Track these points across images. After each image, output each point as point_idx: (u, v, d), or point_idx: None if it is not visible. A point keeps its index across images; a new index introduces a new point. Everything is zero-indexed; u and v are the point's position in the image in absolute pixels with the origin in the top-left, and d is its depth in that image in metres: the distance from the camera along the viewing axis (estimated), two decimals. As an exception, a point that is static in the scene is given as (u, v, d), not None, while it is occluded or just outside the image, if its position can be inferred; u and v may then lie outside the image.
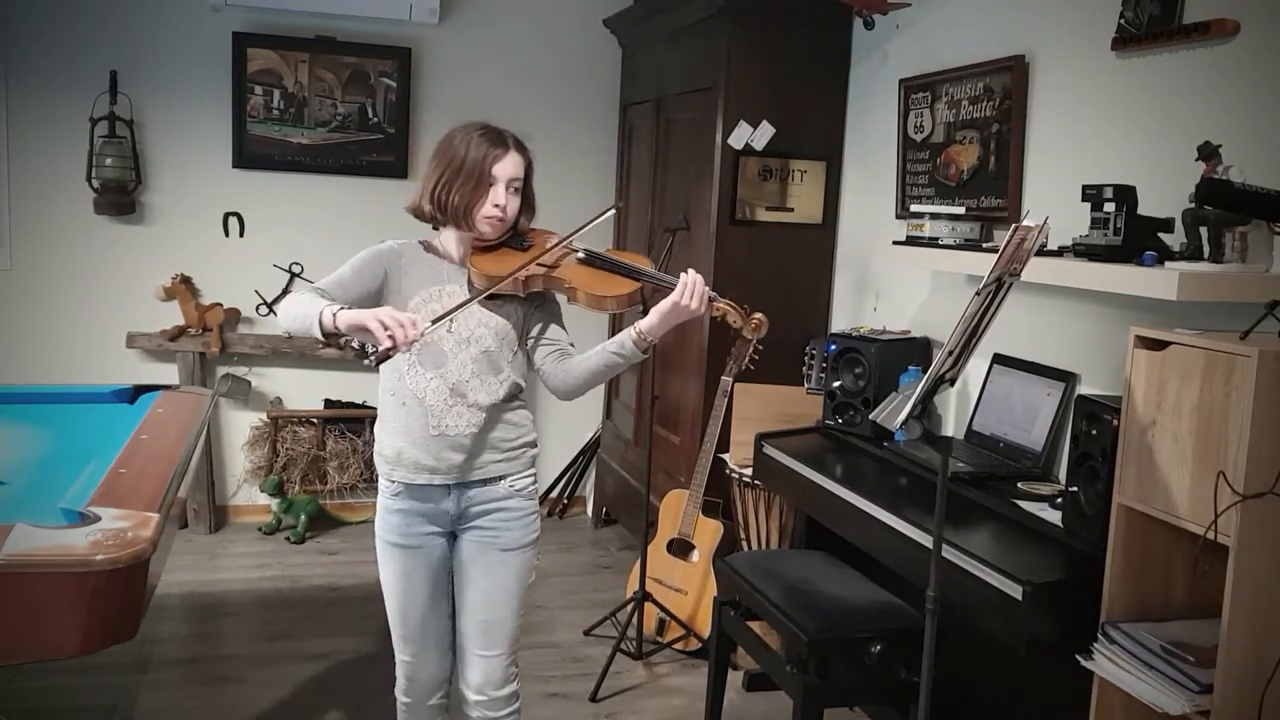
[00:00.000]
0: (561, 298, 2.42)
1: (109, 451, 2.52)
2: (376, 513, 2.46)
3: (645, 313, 2.32)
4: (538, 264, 2.33)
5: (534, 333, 2.43)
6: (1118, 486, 2.28)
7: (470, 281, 2.35)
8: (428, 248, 2.43)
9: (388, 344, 2.09)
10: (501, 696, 2.45)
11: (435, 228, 2.44)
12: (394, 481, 2.41)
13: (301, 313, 2.20)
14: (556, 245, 2.36)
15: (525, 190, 2.39)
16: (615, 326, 5.23)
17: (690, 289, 2.27)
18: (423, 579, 2.44)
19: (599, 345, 2.36)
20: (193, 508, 4.94)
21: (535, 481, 2.49)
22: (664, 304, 2.28)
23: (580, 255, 2.38)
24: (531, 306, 2.42)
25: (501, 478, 2.41)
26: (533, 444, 2.47)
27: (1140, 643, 2.18)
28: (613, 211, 2.42)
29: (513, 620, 2.45)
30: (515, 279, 2.31)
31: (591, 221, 2.39)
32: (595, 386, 2.42)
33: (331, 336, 2.18)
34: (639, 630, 3.85)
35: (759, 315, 2.38)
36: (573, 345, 2.45)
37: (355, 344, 4.79)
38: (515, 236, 2.40)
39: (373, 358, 2.14)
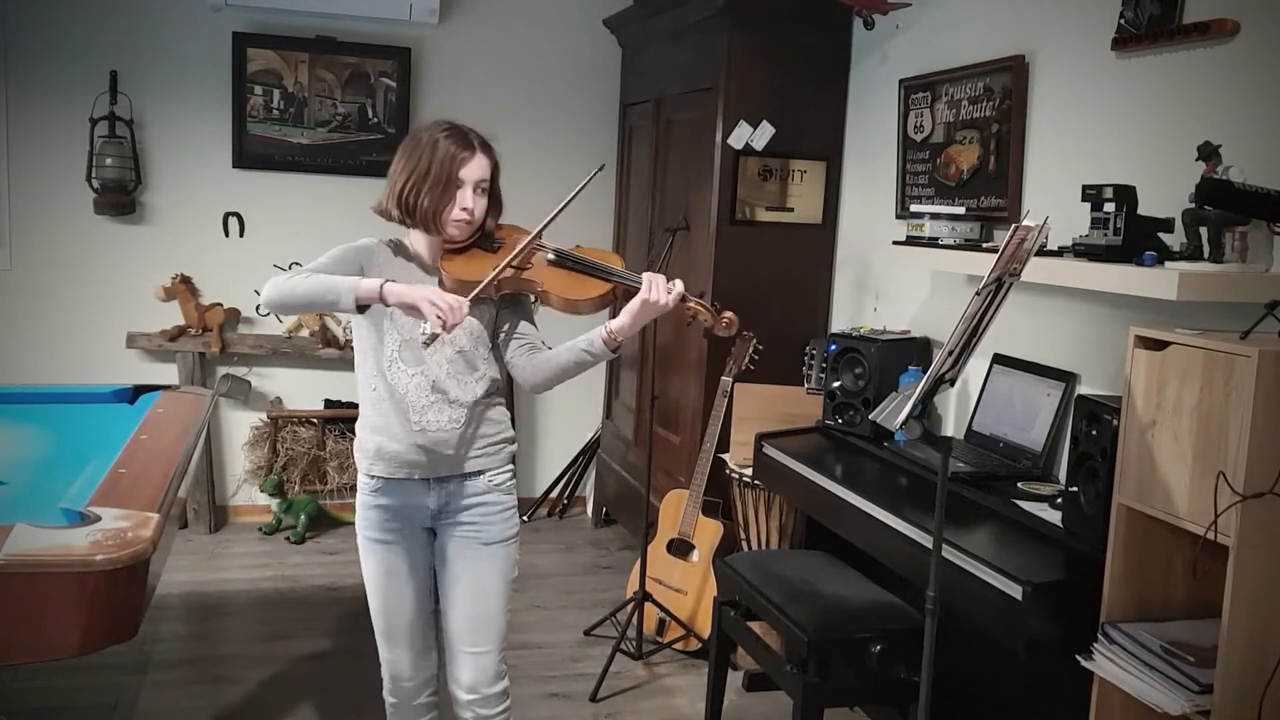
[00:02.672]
0: (539, 302, 2.42)
1: (109, 451, 2.53)
2: (356, 510, 2.48)
3: (616, 312, 2.34)
4: (509, 266, 2.33)
5: (505, 329, 2.44)
6: (1118, 486, 2.27)
7: (441, 283, 2.34)
8: (398, 249, 2.43)
9: (438, 327, 2.12)
10: (494, 694, 2.45)
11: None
12: (373, 477, 2.42)
13: (319, 285, 2.22)
14: (527, 245, 2.36)
15: (492, 190, 2.39)
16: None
17: (654, 285, 2.28)
18: (405, 575, 2.45)
19: (570, 341, 2.37)
20: (193, 508, 4.94)
21: (514, 477, 2.50)
22: (633, 303, 2.29)
23: (550, 256, 2.39)
24: (503, 305, 2.43)
25: (481, 473, 2.42)
26: (511, 440, 2.49)
27: (1140, 643, 2.18)
28: (599, 172, 2.42)
29: (500, 615, 2.45)
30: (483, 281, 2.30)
31: (577, 192, 2.40)
32: (564, 381, 2.42)
33: (363, 309, 2.21)
34: (639, 630, 3.85)
35: (729, 314, 2.39)
36: (544, 341, 2.45)
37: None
38: (484, 237, 2.41)
39: (424, 335, 2.16)
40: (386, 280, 2.21)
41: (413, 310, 2.17)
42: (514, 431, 2.51)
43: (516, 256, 2.34)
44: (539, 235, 2.39)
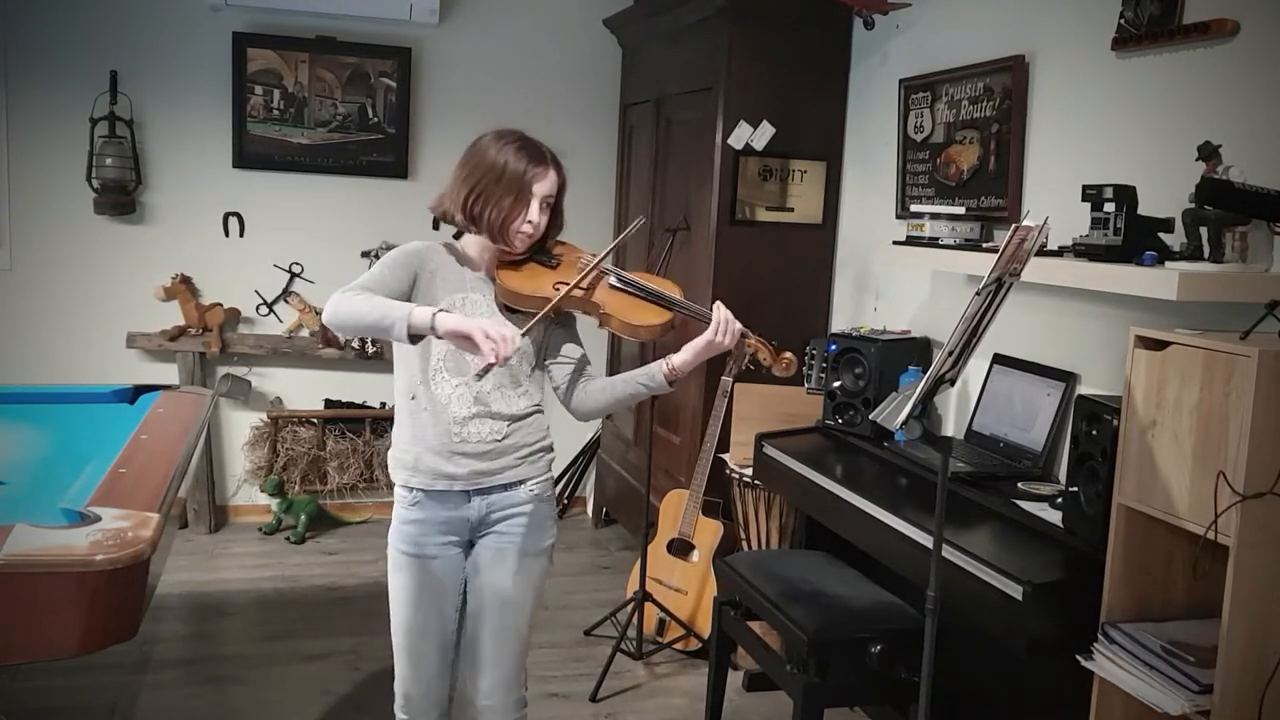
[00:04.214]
0: (592, 320, 2.40)
1: (109, 451, 2.52)
2: (391, 522, 2.42)
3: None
4: (577, 287, 2.32)
5: (552, 349, 2.42)
6: (1118, 486, 2.28)
7: (496, 294, 2.33)
8: (450, 250, 2.41)
9: (492, 359, 2.05)
10: (511, 702, 2.43)
11: (457, 235, 2.42)
12: (412, 489, 2.37)
13: (374, 310, 2.14)
14: (592, 269, 2.34)
15: (556, 207, 2.38)
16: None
17: (724, 327, 2.29)
18: (433, 594, 2.39)
19: (626, 373, 2.37)
20: (193, 508, 4.94)
21: (553, 486, 2.48)
22: (698, 342, 2.29)
23: (613, 280, 2.38)
24: (552, 325, 2.41)
25: (522, 482, 2.39)
26: (550, 449, 2.46)
27: (1140, 643, 2.18)
28: (642, 220, 2.43)
29: (525, 627, 2.43)
30: (550, 302, 2.29)
31: (623, 237, 2.42)
32: (613, 412, 2.40)
33: (417, 338, 2.13)
34: (639, 630, 3.85)
35: (789, 355, 2.40)
36: (588, 361, 2.44)
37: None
38: (541, 251, 2.39)
39: (476, 375, 2.14)
40: (439, 310, 2.14)
41: (466, 341, 2.08)
42: (552, 439, 2.48)
43: (584, 278, 2.33)
44: (604, 258, 2.38)
